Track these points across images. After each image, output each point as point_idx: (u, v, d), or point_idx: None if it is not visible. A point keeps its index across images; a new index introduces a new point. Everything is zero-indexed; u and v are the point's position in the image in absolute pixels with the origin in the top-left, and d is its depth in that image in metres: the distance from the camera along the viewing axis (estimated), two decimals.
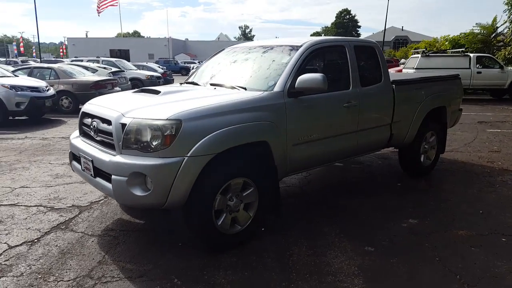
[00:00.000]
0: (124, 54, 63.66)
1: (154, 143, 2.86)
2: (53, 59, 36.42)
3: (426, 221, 3.92)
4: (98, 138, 3.32)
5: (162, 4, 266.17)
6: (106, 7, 48.57)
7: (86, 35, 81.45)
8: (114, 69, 15.23)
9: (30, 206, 4.21)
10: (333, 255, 3.20)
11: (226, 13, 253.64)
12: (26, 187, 4.85)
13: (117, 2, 50.72)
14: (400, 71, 17.65)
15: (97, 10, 49.03)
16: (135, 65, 20.29)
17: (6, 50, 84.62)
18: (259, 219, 3.43)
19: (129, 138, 2.94)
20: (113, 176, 2.95)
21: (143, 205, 3.03)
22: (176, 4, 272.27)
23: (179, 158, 2.84)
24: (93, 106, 3.56)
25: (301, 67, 3.70)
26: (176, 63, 46.01)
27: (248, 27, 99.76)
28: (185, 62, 49.25)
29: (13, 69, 13.09)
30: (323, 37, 4.23)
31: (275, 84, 3.56)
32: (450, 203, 4.45)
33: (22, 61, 31.10)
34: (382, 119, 4.59)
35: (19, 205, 4.23)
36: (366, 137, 4.39)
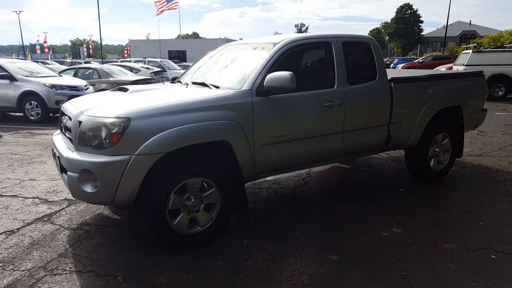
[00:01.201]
0: (182, 55, 66.08)
1: (103, 141, 2.90)
2: (118, 59, 38.73)
3: (412, 231, 3.60)
4: (67, 135, 3.44)
5: (222, 6, 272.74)
6: (162, 11, 50.54)
7: (147, 37, 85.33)
8: (156, 69, 15.81)
9: (28, 198, 4.48)
10: (290, 262, 3.04)
11: (283, 12, 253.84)
12: (34, 180, 5.17)
13: (176, 5, 52.67)
14: (450, 68, 16.51)
15: (157, 12, 51.26)
16: (182, 65, 20.93)
17: (78, 52, 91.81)
18: (222, 221, 3.36)
19: (83, 135, 3.01)
20: (68, 172, 3.03)
21: (94, 201, 3.08)
22: (235, 5, 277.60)
23: (126, 156, 2.85)
24: (67, 104, 3.69)
25: (274, 65, 3.56)
26: None
27: (304, 25, 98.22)
28: None
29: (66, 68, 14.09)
30: (305, 34, 4.03)
31: (245, 82, 3.47)
32: (450, 212, 4.06)
33: (85, 62, 33.45)
34: (376, 119, 4.28)
35: (18, 197, 4.52)
36: (356, 138, 4.13)
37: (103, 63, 23.59)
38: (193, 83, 3.99)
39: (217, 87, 3.59)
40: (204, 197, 3.23)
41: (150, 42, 76.65)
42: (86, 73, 12.88)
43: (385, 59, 55.48)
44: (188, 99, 3.23)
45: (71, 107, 3.46)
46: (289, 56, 3.71)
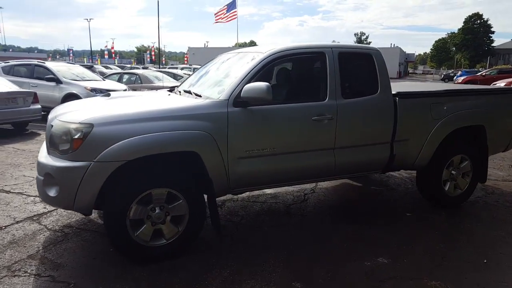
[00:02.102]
0: None
1: (65, 146, 2.92)
2: (179, 65, 40.08)
3: (400, 262, 3.24)
4: None
5: (281, 14, 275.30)
6: (218, 20, 51.83)
7: (205, 45, 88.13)
8: None
9: (30, 196, 4.66)
10: (249, 286, 2.84)
11: (344, 21, 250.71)
12: None
13: (235, 15, 53.82)
14: (510, 83, 15.21)
15: (215, 21, 52.73)
16: None
17: (142, 58, 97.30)
18: (190, 234, 3.23)
19: (52, 139, 3.05)
20: (37, 175, 3.09)
21: (56, 205, 3.10)
22: (294, 14, 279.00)
23: (85, 162, 2.84)
24: (55, 109, 3.79)
25: (256, 76, 3.41)
26: None
27: (364, 34, 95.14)
28: None
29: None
30: (297, 44, 3.80)
31: (223, 92, 3.35)
32: (454, 244, 3.61)
33: (143, 67, 35.22)
34: (376, 136, 3.95)
35: (23, 194, 4.72)
36: (350, 156, 3.83)
37: (160, 69, 24.56)
38: (184, 91, 3.94)
39: (199, 96, 3.51)
40: (170, 209, 3.13)
41: (207, 49, 79.21)
42: (130, 78, 13.45)
43: (449, 71, 52.64)
44: (158, 107, 3.17)
45: (53, 111, 3.54)
46: (273, 67, 3.55)
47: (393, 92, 4.03)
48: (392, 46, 72.23)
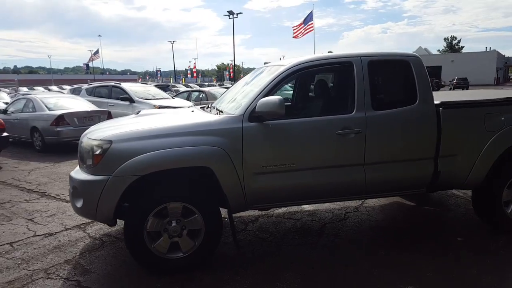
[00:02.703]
0: None
1: (89, 161, 3.13)
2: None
3: None
4: None
5: (362, 23, 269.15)
6: (304, 34, 52.16)
7: (280, 59, 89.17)
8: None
9: None
10: None
11: (432, 25, 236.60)
12: None
13: (312, 27, 53.91)
14: None
15: (295, 35, 53.28)
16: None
17: (222, 75, 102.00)
18: (207, 248, 3.24)
19: (80, 155, 3.30)
20: (69, 188, 3.36)
21: (82, 215, 3.31)
22: (377, 21, 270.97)
23: (104, 176, 3.01)
24: (90, 127, 4.08)
25: (274, 89, 3.35)
26: None
27: (455, 38, 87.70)
28: None
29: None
30: (319, 55, 3.64)
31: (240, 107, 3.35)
32: (501, 279, 3.11)
33: (219, 85, 36.84)
34: (415, 151, 3.60)
35: None
36: (384, 173, 3.54)
37: (224, 85, 25.35)
38: (212, 107, 4.00)
39: (221, 112, 3.55)
40: (186, 223, 3.18)
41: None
42: (198, 95, 14.13)
43: None
44: (175, 124, 3.27)
45: (88, 129, 3.83)
46: (295, 79, 3.44)
47: (437, 102, 3.66)
48: (488, 49, 66.14)
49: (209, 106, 4.38)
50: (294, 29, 46.82)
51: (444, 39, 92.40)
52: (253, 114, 3.24)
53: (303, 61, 3.52)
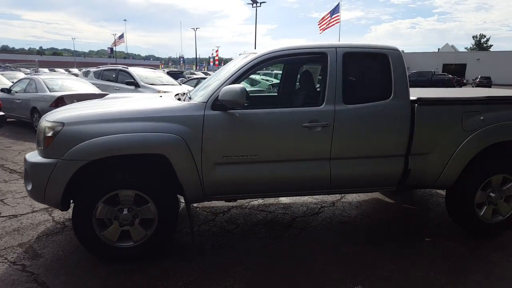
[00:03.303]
0: None
1: (41, 144, 3.04)
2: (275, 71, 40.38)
3: None
4: None
5: (391, 17, 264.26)
6: (328, 27, 51.39)
7: None
8: (275, 81, 16.16)
9: None
10: None
11: (463, 22, 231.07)
12: None
13: (338, 20, 52.95)
14: None
15: (320, 29, 52.56)
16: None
17: None
18: (159, 238, 3.15)
19: (37, 137, 3.21)
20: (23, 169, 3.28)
21: (33, 199, 3.23)
22: (406, 16, 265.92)
23: (53, 159, 2.92)
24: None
25: (240, 78, 3.21)
26: None
27: (484, 36, 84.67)
28: None
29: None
30: (294, 44, 3.47)
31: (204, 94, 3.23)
32: (456, 284, 2.97)
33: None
34: (385, 148, 3.44)
35: None
36: (350, 169, 3.40)
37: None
38: (184, 94, 3.87)
39: (190, 98, 3.42)
40: (139, 211, 3.09)
41: None
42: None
43: None
44: (134, 108, 3.15)
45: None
46: (263, 69, 3.29)
47: (414, 97, 3.49)
48: None
49: (186, 93, 4.26)
50: (319, 24, 46.12)
51: (473, 37, 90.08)
52: (216, 103, 3.11)
53: (273, 51, 3.36)
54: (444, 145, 3.51)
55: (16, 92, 10.37)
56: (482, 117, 3.53)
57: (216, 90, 3.16)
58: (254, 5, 40.92)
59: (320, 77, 3.54)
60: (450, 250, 3.51)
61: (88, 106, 3.54)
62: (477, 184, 3.65)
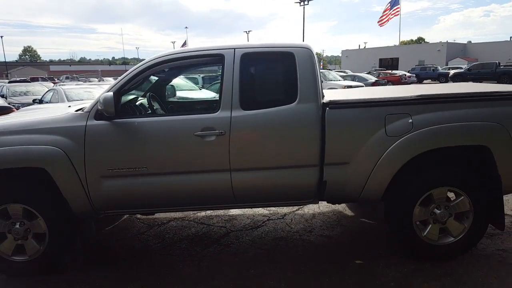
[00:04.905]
0: (395, 62, 63.69)
1: None
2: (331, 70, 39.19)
3: None
4: None
5: (462, 6, 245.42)
6: (388, 20, 49.63)
7: (359, 47, 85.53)
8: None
9: None
10: None
11: None
12: None
13: (398, 13, 50.74)
14: None
15: (381, 22, 50.88)
16: (347, 76, 20.30)
17: None
18: (52, 254, 3.14)
19: None
20: None
21: None
22: (479, 4, 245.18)
23: None
24: None
25: (127, 85, 3.10)
26: (434, 69, 42.47)
27: None
28: (449, 68, 44.43)
29: None
30: (191, 47, 3.25)
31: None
32: None
33: None
34: (295, 158, 3.08)
35: None
36: (256, 181, 3.10)
37: None
38: None
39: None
40: (30, 226, 3.10)
41: (362, 51, 76.42)
42: None
43: None
44: (23, 121, 3.17)
45: None
46: (152, 75, 3.14)
47: (326, 100, 3.10)
48: None
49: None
50: (380, 18, 44.41)
51: None
52: (98, 112, 3.03)
53: (166, 54, 3.20)
54: (365, 154, 3.05)
55: (46, 102, 11.27)
56: (410, 120, 3.01)
57: (98, 99, 3.07)
58: (302, 3, 40.30)
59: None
60: (375, 275, 3.03)
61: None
62: (414, 198, 3.11)
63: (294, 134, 3.05)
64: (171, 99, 3.76)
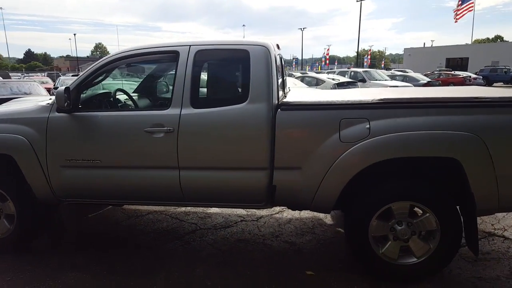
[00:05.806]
0: (464, 62, 59.57)
1: None
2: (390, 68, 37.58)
3: None
4: None
5: None
6: (462, 15, 46.99)
7: (424, 45, 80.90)
8: (343, 80, 15.18)
9: None
10: None
11: None
12: None
13: (472, 8, 47.63)
14: None
15: (455, 18, 48.23)
16: (395, 75, 19.32)
17: (362, 62, 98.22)
18: (23, 234, 3.34)
19: None
20: None
21: None
22: None
23: None
24: None
25: (86, 81, 3.18)
26: (507, 71, 38.86)
27: None
28: None
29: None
30: (147, 44, 3.20)
31: None
32: None
33: (327, 72, 35.21)
34: (244, 159, 2.96)
35: None
36: (204, 180, 3.03)
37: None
38: None
39: None
40: (3, 206, 3.33)
41: (426, 49, 72.20)
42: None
43: None
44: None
45: None
46: (112, 70, 3.19)
47: (279, 101, 2.94)
48: None
49: None
50: (456, 13, 42.12)
51: None
52: None
53: (122, 51, 3.23)
54: (317, 159, 2.84)
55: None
56: (368, 126, 2.75)
57: None
58: None
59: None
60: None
61: None
62: (371, 210, 2.85)
63: (243, 135, 2.93)
64: (135, 95, 3.81)
